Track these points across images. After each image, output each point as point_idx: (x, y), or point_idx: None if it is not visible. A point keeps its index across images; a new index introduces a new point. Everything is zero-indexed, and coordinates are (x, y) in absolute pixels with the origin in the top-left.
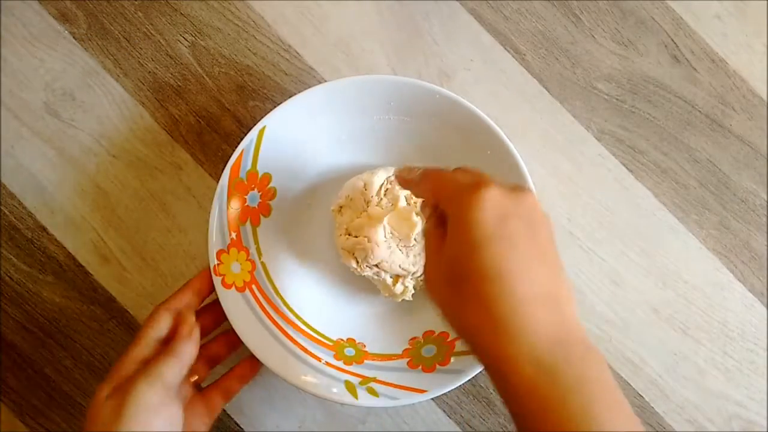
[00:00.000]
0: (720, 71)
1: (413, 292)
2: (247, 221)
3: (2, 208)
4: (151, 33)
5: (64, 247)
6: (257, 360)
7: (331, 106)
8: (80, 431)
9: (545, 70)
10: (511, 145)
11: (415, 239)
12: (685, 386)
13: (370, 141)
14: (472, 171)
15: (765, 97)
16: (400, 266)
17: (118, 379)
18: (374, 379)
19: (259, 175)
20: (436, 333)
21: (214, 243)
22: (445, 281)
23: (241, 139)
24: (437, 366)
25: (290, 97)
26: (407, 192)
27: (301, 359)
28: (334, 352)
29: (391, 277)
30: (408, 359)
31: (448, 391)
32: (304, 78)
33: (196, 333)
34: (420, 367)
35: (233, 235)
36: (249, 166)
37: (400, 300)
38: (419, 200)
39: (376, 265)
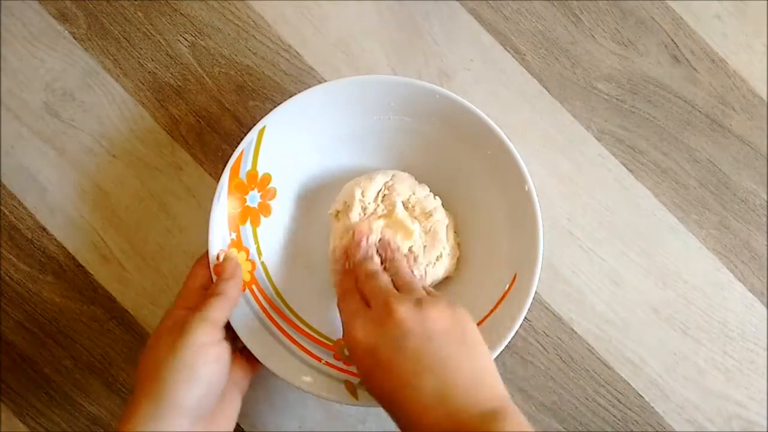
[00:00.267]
0: (720, 71)
1: None
2: (247, 221)
3: (2, 208)
4: (151, 33)
5: (64, 247)
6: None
7: (331, 106)
8: (80, 431)
9: (545, 70)
10: (512, 146)
11: (410, 248)
12: (685, 386)
13: (371, 141)
14: (385, 289)
15: (765, 97)
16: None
17: (170, 320)
18: None
19: (259, 175)
20: None
21: (215, 243)
22: (368, 360)
23: (241, 139)
24: None
25: (290, 97)
26: (405, 198)
27: (301, 359)
28: (334, 352)
29: None
30: None
31: None
32: (304, 78)
33: (239, 272)
34: None
35: (233, 235)
36: (249, 167)
37: None
38: (416, 205)
39: None
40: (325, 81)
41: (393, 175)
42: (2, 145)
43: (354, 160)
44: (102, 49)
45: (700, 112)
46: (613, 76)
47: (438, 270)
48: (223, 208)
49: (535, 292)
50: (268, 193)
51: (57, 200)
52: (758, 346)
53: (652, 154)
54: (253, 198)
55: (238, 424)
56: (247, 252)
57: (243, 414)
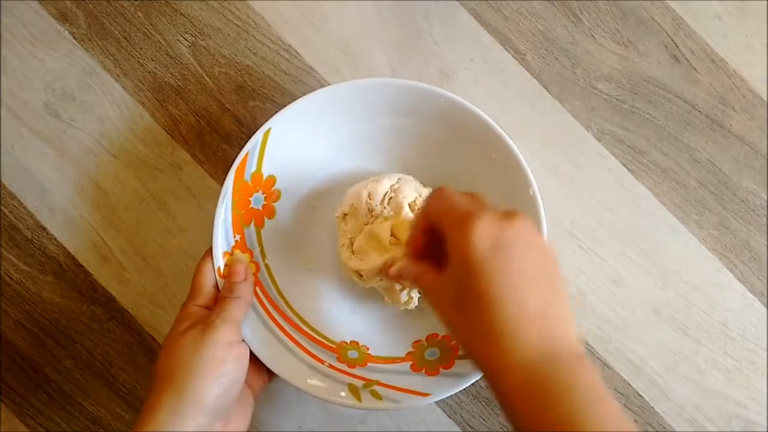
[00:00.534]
0: (720, 71)
1: (416, 304)
2: (251, 223)
3: (2, 208)
4: (151, 33)
5: (64, 247)
6: None
7: (336, 109)
8: (80, 431)
9: (545, 70)
10: (518, 151)
11: None
12: (685, 386)
13: (375, 143)
14: (475, 197)
15: (765, 97)
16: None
17: (190, 319)
18: (377, 382)
19: (264, 177)
20: (440, 336)
21: (219, 245)
22: (450, 301)
23: (242, 139)
24: (441, 369)
25: (290, 96)
26: (411, 200)
27: (304, 362)
28: (338, 354)
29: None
30: (411, 362)
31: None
32: (304, 78)
33: (250, 274)
34: (423, 370)
35: (237, 237)
36: (254, 168)
37: (402, 309)
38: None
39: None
40: (325, 81)
41: (399, 179)
42: (2, 145)
43: (358, 162)
44: (102, 49)
45: (700, 112)
46: (613, 76)
47: None
48: (227, 210)
49: None
50: (272, 195)
51: (57, 200)
52: (758, 346)
53: (652, 154)
54: (258, 200)
55: None
56: (251, 254)
57: None
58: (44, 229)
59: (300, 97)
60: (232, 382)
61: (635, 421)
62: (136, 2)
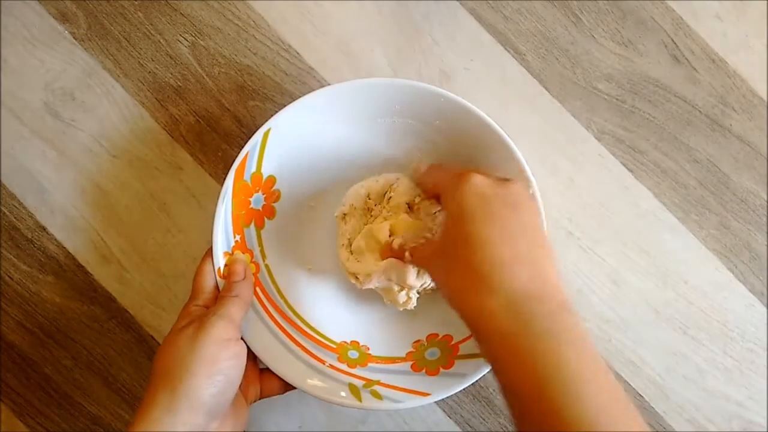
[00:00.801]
0: (720, 71)
1: (415, 304)
2: (251, 223)
3: (2, 208)
4: (151, 33)
5: (64, 247)
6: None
7: (337, 109)
8: (80, 431)
9: (545, 70)
10: (519, 153)
11: None
12: (685, 386)
13: (375, 143)
14: (471, 168)
15: (765, 97)
16: (407, 281)
17: (189, 317)
18: (378, 382)
19: (264, 178)
20: (440, 336)
21: (219, 245)
22: (437, 252)
23: (242, 139)
24: (441, 369)
25: (290, 96)
26: (410, 199)
27: (304, 362)
28: (338, 354)
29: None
30: (412, 362)
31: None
32: (304, 78)
33: (250, 274)
34: (424, 370)
35: (237, 237)
36: (254, 168)
37: (402, 309)
38: (421, 207)
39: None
40: (325, 81)
41: (398, 178)
42: (2, 145)
43: (359, 162)
44: (102, 49)
45: (700, 112)
46: (613, 76)
47: None
48: (227, 210)
49: None
50: (272, 196)
51: (57, 200)
52: (758, 346)
53: (652, 154)
54: (258, 200)
55: None
56: (251, 254)
57: None
58: (44, 229)
59: (300, 97)
60: (227, 381)
61: None
62: (136, 2)
